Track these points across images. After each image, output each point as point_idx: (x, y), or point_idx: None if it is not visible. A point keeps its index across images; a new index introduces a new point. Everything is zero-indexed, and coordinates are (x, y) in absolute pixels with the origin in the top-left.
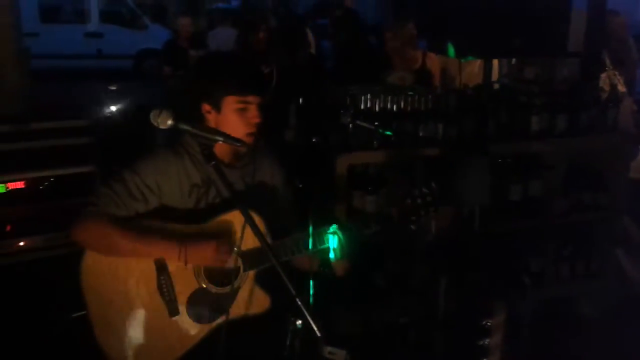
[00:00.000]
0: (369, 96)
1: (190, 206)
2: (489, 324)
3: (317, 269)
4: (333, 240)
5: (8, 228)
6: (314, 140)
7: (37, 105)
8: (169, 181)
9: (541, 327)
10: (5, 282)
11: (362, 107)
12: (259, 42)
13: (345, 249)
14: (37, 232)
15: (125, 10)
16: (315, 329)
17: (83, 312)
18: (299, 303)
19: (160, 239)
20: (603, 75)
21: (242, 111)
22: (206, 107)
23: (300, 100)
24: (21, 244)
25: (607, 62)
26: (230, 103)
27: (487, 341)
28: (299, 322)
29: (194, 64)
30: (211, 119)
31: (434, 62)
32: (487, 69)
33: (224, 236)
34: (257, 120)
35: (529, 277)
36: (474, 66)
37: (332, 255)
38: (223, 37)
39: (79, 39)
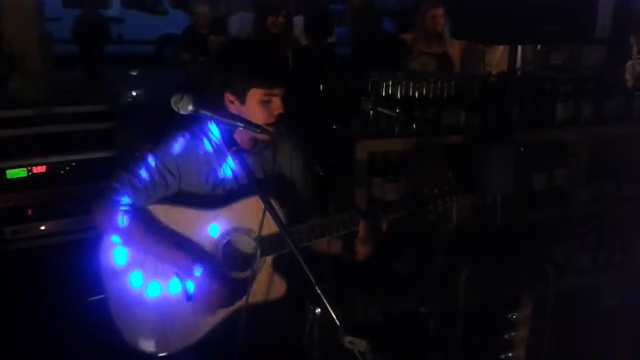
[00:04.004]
0: (390, 82)
1: (208, 192)
2: (514, 317)
3: (339, 252)
4: None
5: (29, 212)
6: (334, 127)
7: (59, 90)
8: (188, 167)
9: (563, 318)
10: (26, 266)
11: (384, 93)
12: (277, 26)
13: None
14: (58, 216)
15: None
16: (335, 317)
17: (101, 296)
18: (318, 291)
19: (177, 253)
20: (628, 64)
21: (266, 103)
22: (229, 97)
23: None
24: (42, 228)
25: (635, 49)
26: (255, 95)
27: (512, 335)
28: (318, 310)
29: (216, 52)
30: (233, 108)
31: (455, 48)
32: (512, 55)
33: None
34: (280, 111)
35: (552, 267)
36: (496, 52)
37: None
38: (244, 22)
39: None
